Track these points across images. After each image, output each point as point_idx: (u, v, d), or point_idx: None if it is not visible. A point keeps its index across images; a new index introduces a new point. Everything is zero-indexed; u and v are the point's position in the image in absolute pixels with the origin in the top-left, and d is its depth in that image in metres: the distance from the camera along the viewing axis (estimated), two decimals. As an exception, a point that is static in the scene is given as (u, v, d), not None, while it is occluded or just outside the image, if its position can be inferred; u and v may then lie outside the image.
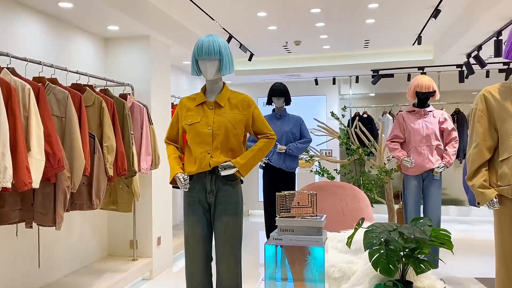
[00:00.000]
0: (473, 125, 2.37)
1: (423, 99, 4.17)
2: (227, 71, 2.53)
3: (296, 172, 4.63)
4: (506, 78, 6.35)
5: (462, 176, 4.35)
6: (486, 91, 2.37)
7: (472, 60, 5.64)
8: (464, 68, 6.40)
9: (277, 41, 6.20)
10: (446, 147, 4.16)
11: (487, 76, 6.91)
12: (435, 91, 4.15)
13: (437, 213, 4.16)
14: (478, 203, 2.33)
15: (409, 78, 7.21)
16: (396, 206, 5.32)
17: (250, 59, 6.71)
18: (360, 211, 3.99)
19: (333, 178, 4.73)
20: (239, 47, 6.20)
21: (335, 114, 4.83)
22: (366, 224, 2.51)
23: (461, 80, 6.40)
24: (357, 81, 7.53)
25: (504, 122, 2.27)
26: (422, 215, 4.27)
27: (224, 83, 2.65)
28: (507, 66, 6.30)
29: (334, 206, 4.04)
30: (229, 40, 5.54)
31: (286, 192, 2.61)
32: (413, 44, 6.37)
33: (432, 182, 4.15)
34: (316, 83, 7.72)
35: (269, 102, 4.60)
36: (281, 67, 7.27)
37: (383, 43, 6.48)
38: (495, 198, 2.28)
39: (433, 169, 4.10)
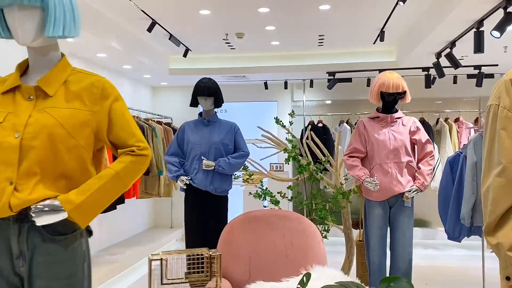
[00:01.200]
0: (492, 134, 1.34)
1: (389, 102, 3.23)
2: (59, 30, 1.40)
3: (228, 195, 3.54)
4: (478, 85, 5.60)
5: (438, 198, 3.43)
6: None
7: (443, 61, 4.82)
8: (430, 71, 5.62)
9: (215, 33, 5.14)
10: (420, 165, 3.22)
11: (455, 82, 6.18)
12: (405, 92, 3.22)
13: (408, 250, 3.20)
14: (508, 278, 1.29)
15: (369, 84, 6.35)
16: (355, 232, 4.34)
17: (185, 55, 5.61)
18: (309, 251, 2.96)
19: (277, 202, 3.67)
20: (169, 39, 5.09)
21: (281, 121, 3.81)
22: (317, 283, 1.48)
23: (428, 85, 5.59)
24: (311, 85, 6.60)
25: None
26: (388, 251, 3.30)
27: (62, 55, 1.54)
28: (478, 71, 5.55)
29: (274, 244, 2.99)
30: (152, 27, 4.41)
31: (163, 255, 1.50)
32: (374, 43, 5.51)
33: (401, 211, 3.20)
34: (266, 87, 6.72)
35: (194, 103, 3.52)
36: (224, 66, 6.21)
37: (340, 40, 5.57)
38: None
39: (403, 193, 3.15)
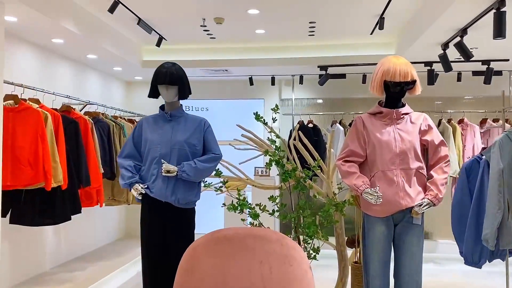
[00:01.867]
0: None
1: (395, 93, 2.59)
2: None
3: (194, 208, 2.87)
4: (486, 82, 5.00)
5: (452, 213, 2.80)
6: None
7: (449, 54, 4.22)
8: (433, 66, 5.02)
9: (191, 17, 4.48)
10: (432, 172, 2.59)
11: (459, 79, 5.58)
12: (415, 81, 2.59)
13: (417, 279, 2.57)
14: None
15: (364, 80, 5.74)
16: (349, 252, 3.70)
17: (158, 44, 4.95)
18: (293, 283, 2.31)
19: (256, 216, 3.01)
20: (138, 23, 4.41)
21: (261, 117, 3.15)
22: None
23: (431, 81, 4.98)
24: (301, 81, 5.96)
25: None
26: (392, 279, 2.65)
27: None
28: (486, 66, 4.95)
29: (249, 274, 2.33)
30: (114, 7, 3.73)
31: None
32: (372, 33, 4.89)
33: (409, 229, 2.56)
34: (251, 83, 6.07)
35: (154, 94, 2.85)
36: (204, 58, 5.54)
37: (333, 30, 4.94)
38: None
39: (412, 208, 2.51)
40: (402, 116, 2.63)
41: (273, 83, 6.05)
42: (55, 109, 4.05)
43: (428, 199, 2.51)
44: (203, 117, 2.95)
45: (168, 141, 2.76)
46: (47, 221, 3.90)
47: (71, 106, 4.39)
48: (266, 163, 2.98)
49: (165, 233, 2.74)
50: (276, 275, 2.29)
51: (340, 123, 5.83)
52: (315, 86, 6.23)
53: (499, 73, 5.35)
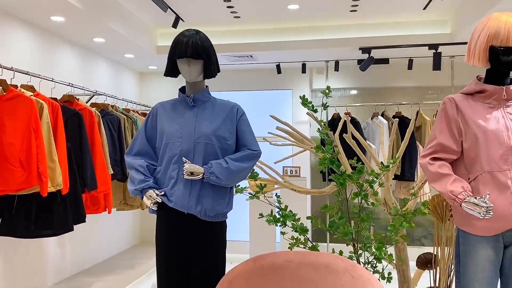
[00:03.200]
0: None
1: (507, 64, 1.86)
2: None
3: (226, 221, 2.18)
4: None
5: None
6: None
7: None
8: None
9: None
10: (559, 174, 1.84)
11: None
12: (535, 47, 1.85)
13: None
14: None
15: (411, 66, 4.98)
16: (412, 273, 2.97)
17: (174, 25, 4.28)
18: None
19: (305, 231, 2.30)
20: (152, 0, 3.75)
21: (310, 102, 2.43)
22: None
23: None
24: (336, 68, 5.23)
25: None
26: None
27: None
28: None
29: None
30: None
31: None
32: (425, 8, 4.13)
33: (529, 254, 1.83)
34: (279, 71, 5.37)
35: (172, 72, 2.17)
36: (226, 42, 4.86)
37: (379, 4, 4.20)
38: None
39: (534, 224, 1.79)
40: (514, 96, 1.90)
41: (303, 71, 5.34)
42: (55, 99, 3.41)
43: (557, 212, 1.78)
44: (235, 102, 2.25)
45: (191, 133, 2.07)
46: (45, 233, 3.27)
47: (75, 96, 3.75)
48: (320, 160, 2.27)
49: (188, 254, 2.06)
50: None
51: (382, 115, 5.09)
52: (352, 74, 5.52)
53: None
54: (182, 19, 4.42)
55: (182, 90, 2.21)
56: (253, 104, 5.79)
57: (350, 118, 5.22)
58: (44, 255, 3.91)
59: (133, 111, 4.82)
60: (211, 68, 2.12)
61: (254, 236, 4.58)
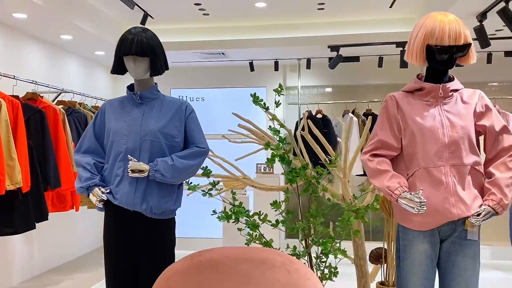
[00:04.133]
0: None
1: (442, 63, 1.90)
2: None
3: (175, 218, 2.20)
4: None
5: (510, 218, 2.13)
6: None
7: (489, 24, 3.52)
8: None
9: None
10: (492, 169, 1.90)
11: (489, 61, 4.87)
12: (469, 45, 1.90)
13: (473, 314, 1.88)
14: None
15: (381, 64, 5.04)
16: (370, 266, 3.03)
17: (143, 23, 4.26)
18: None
19: (256, 226, 2.33)
20: (116, -5, 3.74)
21: (261, 100, 2.46)
22: None
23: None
24: (308, 66, 5.27)
25: None
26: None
27: None
28: (525, 43, 4.24)
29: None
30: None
31: None
32: (391, 6, 4.18)
33: (462, 248, 1.89)
34: (252, 69, 5.39)
35: (119, 69, 2.18)
36: (197, 39, 4.86)
37: (345, 3, 4.23)
38: None
39: (465, 219, 1.84)
40: (451, 94, 1.94)
41: (276, 69, 5.37)
42: (16, 96, 3.39)
43: (489, 205, 1.82)
44: (185, 100, 2.26)
45: (137, 131, 2.08)
46: (6, 231, 3.26)
47: (39, 94, 3.73)
48: (268, 159, 2.31)
49: (136, 252, 2.07)
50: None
51: (353, 112, 5.14)
52: (324, 72, 5.55)
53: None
54: (151, 16, 4.41)
55: (130, 87, 2.22)
56: (227, 101, 5.81)
57: (321, 116, 5.28)
58: (9, 253, 3.88)
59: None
60: (157, 66, 2.13)
61: (227, 233, 4.61)
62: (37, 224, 3.40)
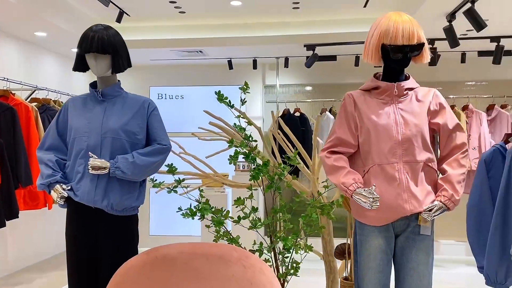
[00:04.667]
0: None
1: (397, 62, 1.95)
2: None
3: (137, 215, 2.22)
4: (496, 62, 4.37)
5: (468, 216, 2.20)
6: None
7: (457, 25, 3.58)
8: (435, 45, 4.40)
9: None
10: (445, 166, 1.95)
11: (463, 61, 4.96)
12: (422, 45, 1.94)
13: (425, 307, 1.93)
14: None
15: (357, 62, 5.09)
16: (338, 264, 3.08)
17: (118, 20, 4.25)
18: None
19: (220, 223, 2.36)
20: (89, -7, 3.72)
21: (225, 98, 2.49)
22: None
23: (433, 62, 4.35)
24: (286, 65, 5.30)
25: None
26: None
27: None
28: (496, 44, 4.31)
29: (196, 308, 1.70)
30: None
31: None
32: (365, 6, 4.23)
33: (415, 243, 1.94)
34: (231, 67, 5.40)
35: (80, 67, 2.18)
36: (173, 37, 4.86)
37: (320, 2, 4.27)
38: None
39: (418, 214, 1.89)
40: (405, 92, 1.99)
41: (255, 67, 5.39)
42: (-15, 94, 3.37)
43: (440, 201, 1.88)
44: (148, 97, 2.28)
45: (98, 128, 2.09)
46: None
47: (10, 91, 3.70)
48: (230, 155, 2.33)
49: (97, 249, 2.08)
50: (234, 311, 1.66)
51: (330, 111, 5.19)
52: (302, 71, 5.58)
53: (508, 53, 4.73)
54: (127, 14, 4.40)
55: (93, 85, 2.22)
56: (207, 99, 5.80)
57: (299, 114, 5.33)
58: (-19, 252, 3.86)
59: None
60: (119, 63, 2.14)
61: (205, 230, 4.61)
62: (10, 222, 3.39)
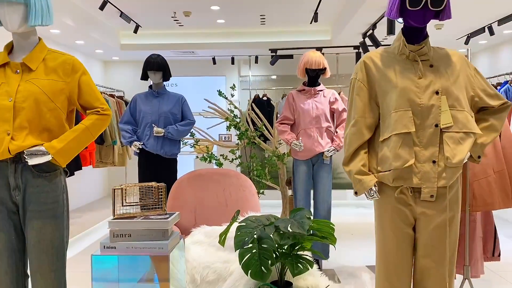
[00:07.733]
0: (351, 99, 1.96)
1: (313, 76, 3.82)
2: (38, 20, 1.84)
3: (177, 158, 4.05)
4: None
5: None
6: (367, 57, 1.97)
7: (368, 41, 5.49)
8: (360, 49, 6.30)
9: (164, 11, 5.51)
10: (337, 130, 3.87)
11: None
12: (325, 68, 3.83)
13: (327, 200, 3.87)
14: (356, 193, 1.95)
15: (308, 60, 6.97)
16: (290, 192, 5.02)
17: (135, 31, 5.94)
18: (245, 201, 3.56)
19: (220, 164, 4.23)
20: (120, 16, 5.40)
21: (223, 93, 4.32)
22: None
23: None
24: (256, 61, 7.12)
25: (385, 95, 1.89)
26: (312, 202, 3.97)
27: (40, 39, 1.96)
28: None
29: (216, 197, 3.56)
30: (103, 5, 4.72)
31: (123, 185, 2.02)
32: (311, 23, 6.09)
33: (322, 167, 3.85)
34: (214, 63, 7.17)
35: (144, 77, 3.94)
36: (173, 42, 6.58)
37: (280, 19, 6.10)
38: (375, 186, 1.90)
39: (323, 153, 3.80)
40: (318, 92, 3.87)
41: (232, 63, 7.18)
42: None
43: (333, 146, 3.81)
44: (181, 94, 4.08)
45: (156, 111, 3.88)
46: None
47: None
48: (227, 126, 4.18)
49: (157, 176, 3.91)
50: (234, 197, 3.54)
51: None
52: (269, 65, 7.42)
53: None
54: (140, 26, 6.09)
55: (150, 87, 3.99)
56: (196, 86, 7.58)
57: (266, 98, 7.19)
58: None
59: (104, 93, 6.44)
60: (166, 75, 3.91)
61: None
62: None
